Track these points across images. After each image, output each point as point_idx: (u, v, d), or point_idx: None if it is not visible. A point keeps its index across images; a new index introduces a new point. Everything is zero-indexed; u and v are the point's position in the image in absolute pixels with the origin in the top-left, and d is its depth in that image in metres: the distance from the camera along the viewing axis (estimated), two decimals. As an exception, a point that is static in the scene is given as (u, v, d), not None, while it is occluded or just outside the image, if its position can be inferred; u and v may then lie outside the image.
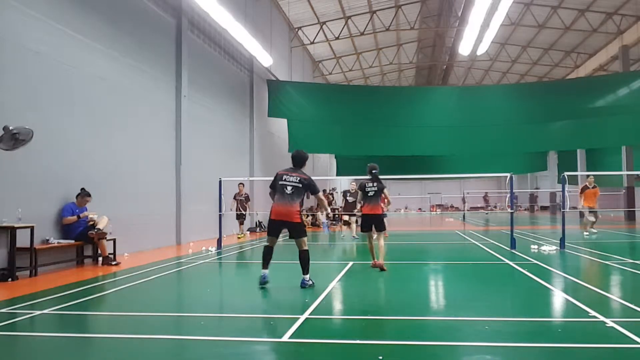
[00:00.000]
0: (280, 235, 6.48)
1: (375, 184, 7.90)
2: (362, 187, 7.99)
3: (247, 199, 15.39)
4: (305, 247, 6.25)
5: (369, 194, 7.85)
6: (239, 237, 14.95)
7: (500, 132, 21.36)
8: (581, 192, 14.53)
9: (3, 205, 7.36)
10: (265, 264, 6.23)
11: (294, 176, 6.26)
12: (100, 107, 9.81)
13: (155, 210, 11.71)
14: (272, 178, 6.47)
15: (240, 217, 15.35)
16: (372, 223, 7.84)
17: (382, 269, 7.53)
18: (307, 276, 6.22)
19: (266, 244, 6.38)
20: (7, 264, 7.27)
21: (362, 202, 8.01)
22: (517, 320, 4.62)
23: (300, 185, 6.21)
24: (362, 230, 8.12)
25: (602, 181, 30.07)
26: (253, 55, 17.45)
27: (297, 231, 6.22)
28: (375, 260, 7.87)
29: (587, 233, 14.36)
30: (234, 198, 14.92)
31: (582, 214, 14.79)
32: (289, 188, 6.17)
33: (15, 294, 6.10)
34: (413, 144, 21.29)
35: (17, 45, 7.77)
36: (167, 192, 12.50)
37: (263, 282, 6.16)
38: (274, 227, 6.28)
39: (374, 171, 8.00)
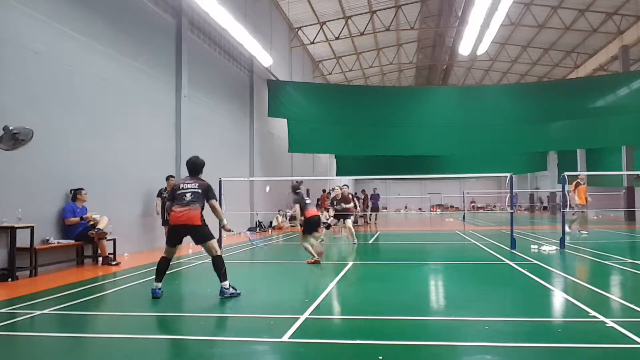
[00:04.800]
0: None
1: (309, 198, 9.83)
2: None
3: None
4: (217, 253, 5.83)
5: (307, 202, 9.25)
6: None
7: (500, 132, 21.37)
8: (575, 188, 14.40)
9: (3, 205, 7.36)
10: (160, 278, 5.81)
11: (191, 183, 5.96)
12: (100, 107, 9.81)
13: (155, 210, 11.70)
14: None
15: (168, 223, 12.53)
16: (319, 225, 9.34)
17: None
18: (227, 283, 5.74)
19: (162, 255, 5.93)
20: (7, 264, 7.27)
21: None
22: (517, 320, 4.62)
23: (200, 191, 5.87)
24: (307, 233, 9.02)
25: (602, 181, 30.17)
26: (253, 55, 17.45)
27: (201, 235, 5.81)
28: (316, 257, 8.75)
29: (586, 232, 14.27)
30: (159, 195, 11.33)
31: (575, 213, 14.65)
32: (188, 195, 5.81)
33: (15, 294, 6.10)
34: (413, 144, 21.28)
35: (17, 45, 7.77)
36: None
37: (153, 294, 5.73)
38: (174, 234, 5.87)
39: (297, 191, 9.17)
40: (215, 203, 6.01)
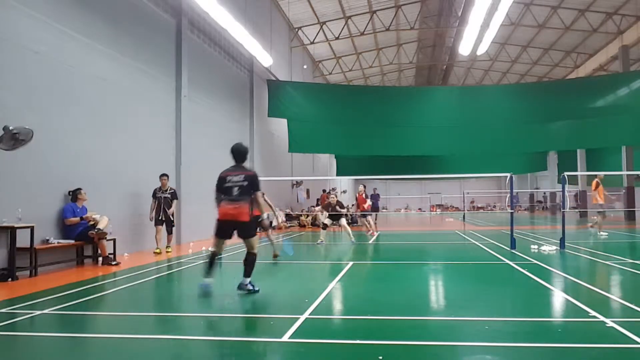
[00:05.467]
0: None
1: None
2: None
3: (174, 196, 11.15)
4: (255, 250, 5.90)
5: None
6: (156, 253, 10.44)
7: (500, 132, 21.38)
8: (596, 188, 14.19)
9: (3, 205, 7.36)
10: (210, 272, 5.74)
11: (238, 175, 5.85)
12: (100, 107, 9.81)
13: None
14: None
15: (162, 223, 10.82)
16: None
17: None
18: (248, 280, 5.82)
19: (212, 249, 5.90)
20: (7, 264, 7.27)
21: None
22: (517, 320, 4.62)
23: (247, 183, 5.79)
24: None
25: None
26: (253, 55, 17.45)
27: (247, 231, 5.84)
28: None
29: (606, 233, 14.06)
30: (154, 196, 10.88)
31: (599, 213, 14.48)
32: (235, 189, 5.75)
33: (15, 294, 6.09)
34: (413, 144, 21.29)
35: (17, 45, 7.77)
36: (167, 192, 12.50)
37: (204, 289, 5.64)
38: (223, 228, 5.83)
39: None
40: (260, 195, 5.97)
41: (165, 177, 11.01)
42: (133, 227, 10.89)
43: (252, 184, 5.80)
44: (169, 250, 10.90)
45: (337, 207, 13.75)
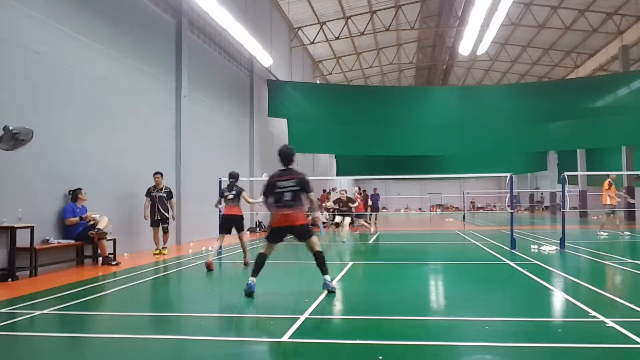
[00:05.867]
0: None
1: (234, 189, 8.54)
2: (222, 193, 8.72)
3: (170, 195, 10.76)
4: (318, 248, 5.96)
5: (228, 197, 8.48)
6: (155, 254, 10.34)
7: (500, 132, 21.38)
8: (609, 187, 14.10)
9: (3, 205, 7.36)
10: (256, 272, 5.81)
11: (287, 180, 5.85)
12: (100, 107, 9.81)
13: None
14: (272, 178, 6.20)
15: (158, 224, 10.56)
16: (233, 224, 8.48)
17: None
18: (329, 277, 5.91)
19: (261, 251, 5.93)
20: (7, 264, 7.27)
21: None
22: (517, 320, 4.62)
23: (298, 188, 5.82)
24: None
25: (602, 181, 30.08)
26: (253, 55, 17.45)
27: (304, 233, 5.90)
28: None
29: (606, 233, 13.96)
30: (148, 195, 10.56)
31: (611, 213, 14.39)
32: (287, 195, 5.78)
33: (15, 294, 6.09)
34: (413, 144, 21.30)
35: (17, 45, 7.77)
36: (167, 192, 12.50)
37: (249, 290, 5.70)
38: (277, 234, 5.92)
39: (231, 179, 8.60)
40: (313, 196, 6.01)
41: (159, 175, 10.62)
42: (133, 227, 10.88)
43: (303, 187, 5.85)
44: (165, 251, 10.57)
45: (349, 204, 14.16)
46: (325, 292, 5.86)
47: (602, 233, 14.06)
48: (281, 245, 8.04)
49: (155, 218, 10.54)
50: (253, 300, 5.66)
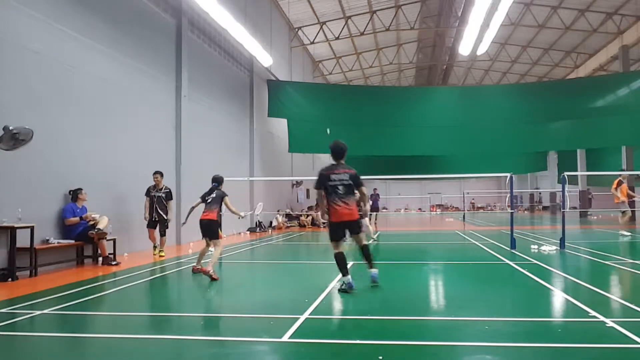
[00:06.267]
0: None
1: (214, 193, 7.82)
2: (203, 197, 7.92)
3: (169, 195, 10.41)
4: (365, 242, 6.24)
5: (207, 201, 7.75)
6: (155, 253, 10.20)
7: (500, 132, 21.39)
8: (618, 186, 13.87)
9: (3, 205, 7.36)
10: (345, 270, 5.89)
11: (341, 173, 6.03)
12: (100, 107, 9.81)
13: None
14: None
15: (155, 225, 10.24)
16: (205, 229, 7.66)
17: (208, 276, 7.01)
18: (375, 270, 6.16)
19: (336, 250, 6.01)
20: (7, 264, 7.27)
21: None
22: (517, 320, 4.61)
23: (351, 182, 6.02)
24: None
25: (602, 181, 30.10)
26: (253, 55, 17.46)
27: (358, 227, 6.14)
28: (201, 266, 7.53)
29: (629, 233, 13.70)
30: (147, 194, 10.27)
31: (623, 212, 14.25)
32: (341, 188, 5.96)
33: (15, 294, 6.09)
34: (413, 144, 21.30)
35: (17, 45, 7.77)
36: (167, 192, 12.50)
37: (350, 288, 5.82)
38: (339, 230, 6.05)
39: (214, 183, 7.96)
40: (365, 190, 6.27)
41: (159, 175, 10.27)
42: (133, 227, 10.88)
43: (355, 182, 6.05)
44: (162, 253, 10.23)
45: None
46: (326, 292, 5.86)
47: (625, 233, 13.65)
48: (281, 245, 8.02)
49: (153, 219, 10.21)
50: (253, 300, 5.66)
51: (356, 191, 6.22)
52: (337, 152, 6.20)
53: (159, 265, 9.01)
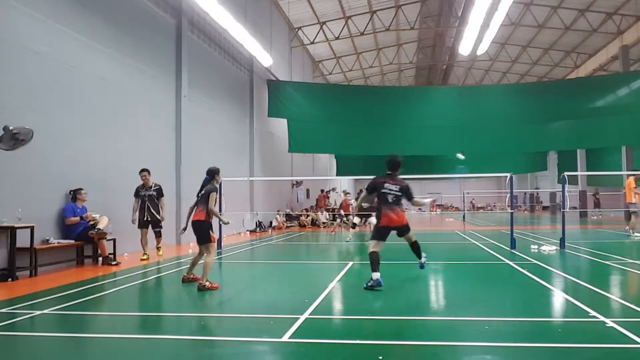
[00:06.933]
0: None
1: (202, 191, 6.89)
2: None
3: (160, 193, 9.85)
4: (415, 239, 7.02)
5: (198, 199, 6.84)
6: (143, 259, 9.28)
7: (500, 132, 21.37)
8: (635, 186, 13.78)
9: (3, 205, 7.36)
10: (377, 267, 6.27)
11: (394, 185, 6.55)
12: (100, 107, 9.81)
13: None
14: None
15: (148, 225, 9.70)
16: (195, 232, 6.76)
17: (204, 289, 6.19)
18: (423, 259, 7.23)
19: (374, 250, 6.39)
20: (7, 264, 7.27)
21: None
22: (517, 320, 4.62)
23: (401, 194, 6.56)
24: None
25: (602, 181, 30.12)
26: (253, 55, 17.46)
27: (406, 229, 6.77)
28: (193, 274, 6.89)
29: (638, 234, 13.57)
30: (136, 195, 9.66)
31: (633, 212, 14.06)
32: (391, 197, 6.50)
33: (15, 294, 6.10)
34: (413, 144, 21.28)
35: (17, 45, 7.77)
36: (167, 192, 12.38)
37: (379, 285, 6.11)
38: (386, 233, 6.63)
39: (206, 177, 7.02)
40: (417, 200, 6.97)
41: (147, 172, 9.63)
42: (133, 227, 10.85)
43: (407, 194, 6.66)
44: (160, 252, 9.98)
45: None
46: (326, 292, 5.87)
47: (636, 234, 13.50)
48: (281, 245, 8.01)
49: (145, 219, 9.60)
50: (253, 300, 5.67)
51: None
52: (393, 165, 6.72)
53: (159, 265, 9.00)
